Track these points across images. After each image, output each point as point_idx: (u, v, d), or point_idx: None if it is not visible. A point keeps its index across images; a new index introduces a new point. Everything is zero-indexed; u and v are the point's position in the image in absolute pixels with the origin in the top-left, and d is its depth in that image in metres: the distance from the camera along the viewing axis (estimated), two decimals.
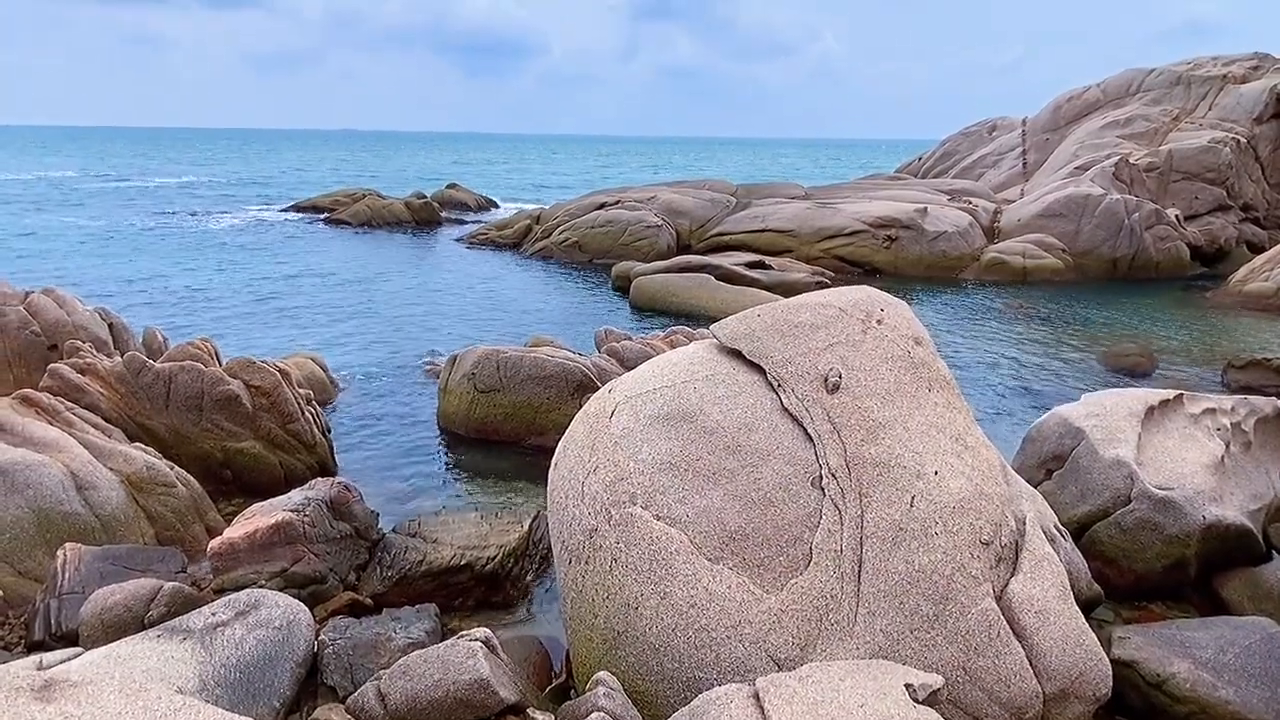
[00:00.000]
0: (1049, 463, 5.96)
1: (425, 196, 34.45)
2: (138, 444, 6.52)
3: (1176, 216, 21.60)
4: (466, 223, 32.41)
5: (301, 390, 7.93)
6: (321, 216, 32.50)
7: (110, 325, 8.83)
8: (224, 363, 7.77)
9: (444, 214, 33.58)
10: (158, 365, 7.27)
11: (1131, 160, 23.11)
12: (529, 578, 5.76)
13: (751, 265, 18.59)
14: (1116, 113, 27.15)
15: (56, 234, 26.97)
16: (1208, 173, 23.08)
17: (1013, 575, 3.76)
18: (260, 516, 5.09)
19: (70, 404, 6.58)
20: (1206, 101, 26.35)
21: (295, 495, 5.38)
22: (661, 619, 3.67)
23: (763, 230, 22.17)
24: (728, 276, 17.40)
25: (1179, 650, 4.29)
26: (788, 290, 14.90)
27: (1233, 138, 23.74)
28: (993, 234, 22.08)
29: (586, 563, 4.02)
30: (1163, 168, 23.32)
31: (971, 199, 24.38)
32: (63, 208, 35.52)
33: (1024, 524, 4.00)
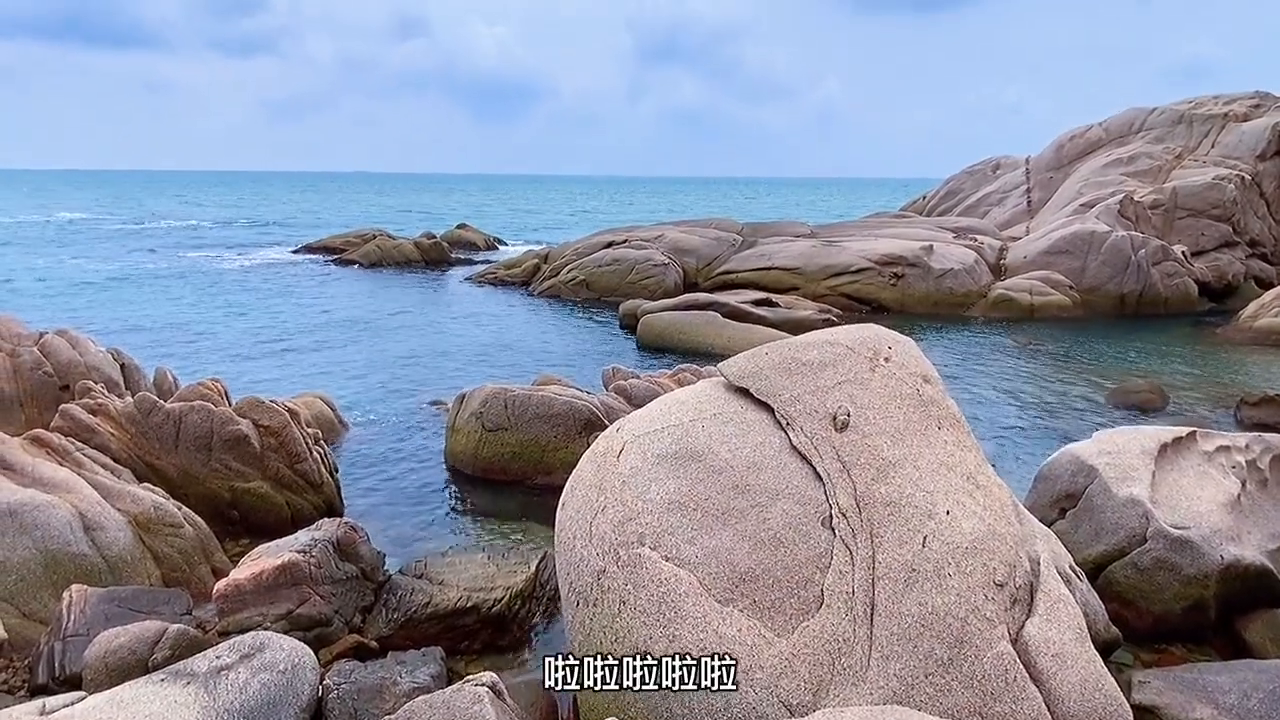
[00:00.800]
0: (1062, 501, 5.89)
1: (435, 236, 34.87)
2: (146, 484, 6.52)
3: (1183, 253, 21.63)
4: (475, 262, 32.74)
5: (310, 430, 7.94)
6: (332, 257, 32.89)
7: (122, 366, 8.90)
8: (233, 403, 7.80)
9: (453, 253, 33.95)
10: (168, 405, 7.31)
11: (1136, 197, 23.23)
12: (536, 620, 5.69)
13: (758, 303, 18.66)
14: (1119, 151, 27.37)
15: (70, 276, 27.34)
16: (1213, 209, 23.17)
17: (1028, 617, 3.69)
18: (267, 557, 5.06)
19: (80, 444, 6.60)
20: (1209, 139, 26.55)
21: (302, 536, 5.36)
22: None
23: (769, 268, 22.29)
24: (735, 314, 17.45)
25: (1202, 695, 4.19)
26: (795, 328, 14.92)
27: (1237, 174, 23.87)
28: (999, 271, 22.13)
29: (594, 605, 3.97)
30: (1167, 205, 23.43)
31: (977, 236, 24.49)
32: (76, 250, 36.08)
33: (1038, 564, 3.94)
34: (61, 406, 7.12)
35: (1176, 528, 5.27)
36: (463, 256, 34.44)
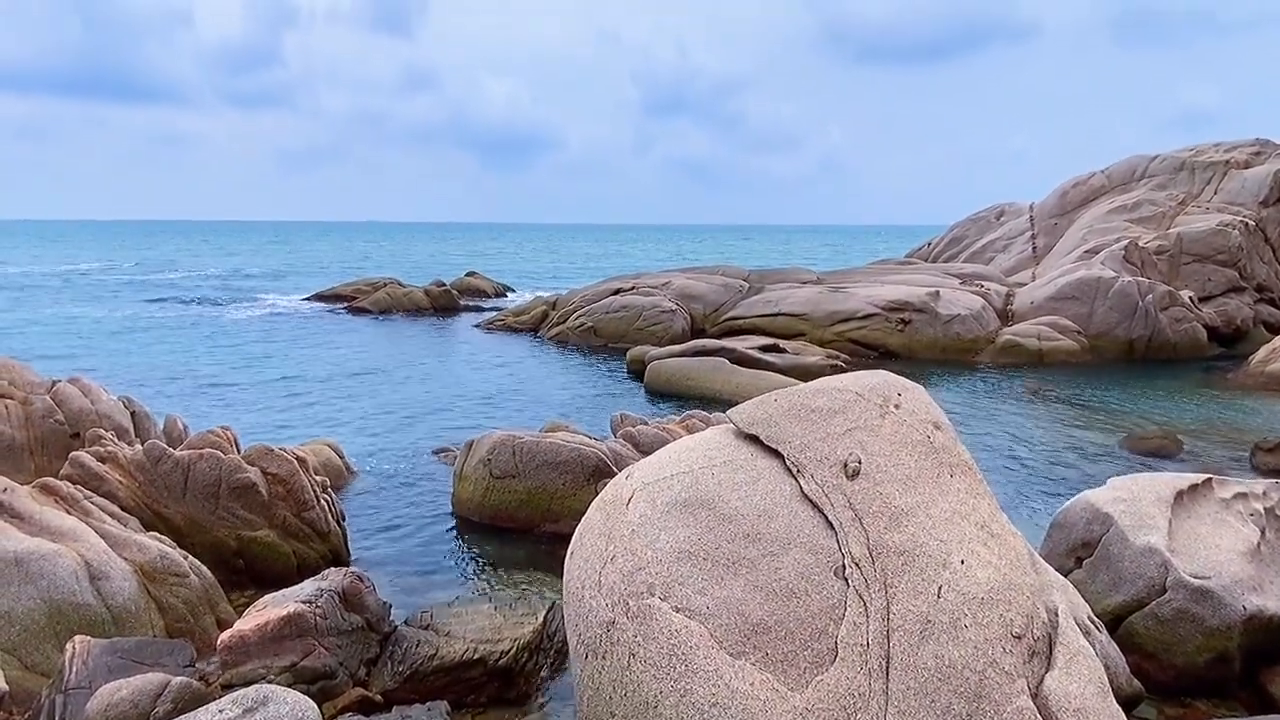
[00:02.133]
0: (1078, 550, 5.80)
1: (444, 284, 35.19)
2: (153, 533, 6.49)
3: (1191, 298, 21.63)
4: (484, 309, 32.99)
5: (318, 477, 7.93)
6: (343, 305, 33.19)
7: (133, 414, 8.94)
8: (243, 450, 7.80)
9: (463, 301, 34.21)
10: (177, 453, 7.31)
11: (1141, 243, 23.34)
12: (544, 673, 5.59)
13: (765, 349, 18.68)
14: (1123, 198, 27.60)
15: (82, 325, 27.65)
16: (1218, 255, 23.24)
17: (1047, 670, 3.60)
18: (272, 608, 5.01)
19: (89, 492, 6.60)
20: (1211, 186, 26.77)
21: (307, 586, 5.31)
22: (682, 719, 3.53)
23: (776, 314, 22.37)
24: (742, 360, 17.46)
25: None
26: (802, 373, 14.91)
27: (1241, 220, 24.00)
28: (1006, 317, 22.15)
29: (603, 657, 3.90)
30: (1173, 251, 23.52)
31: (983, 282, 24.58)
32: (88, 299, 36.54)
33: (1056, 615, 3.86)
34: (71, 454, 7.14)
35: (1196, 577, 5.17)
36: (472, 304, 34.71)
